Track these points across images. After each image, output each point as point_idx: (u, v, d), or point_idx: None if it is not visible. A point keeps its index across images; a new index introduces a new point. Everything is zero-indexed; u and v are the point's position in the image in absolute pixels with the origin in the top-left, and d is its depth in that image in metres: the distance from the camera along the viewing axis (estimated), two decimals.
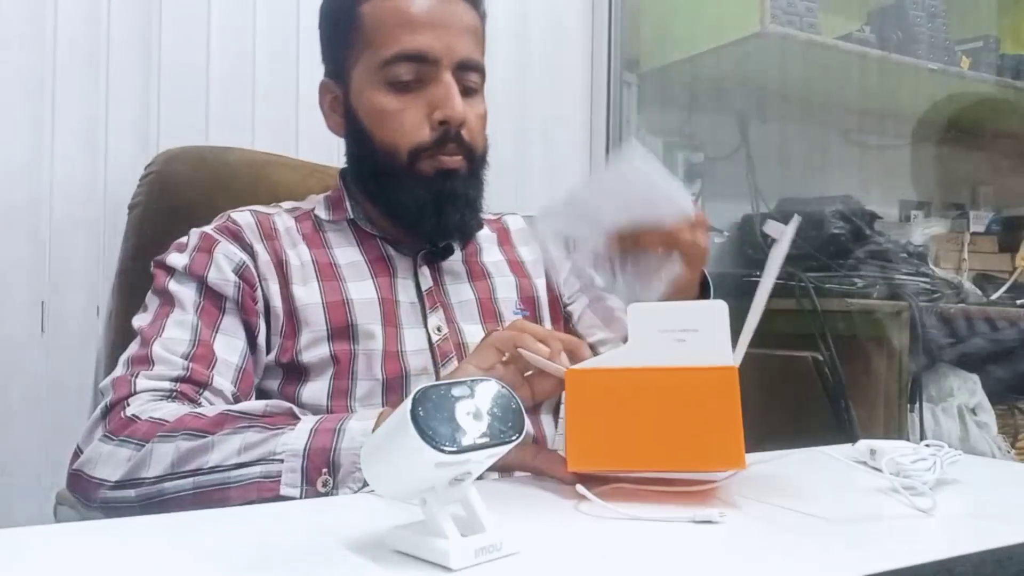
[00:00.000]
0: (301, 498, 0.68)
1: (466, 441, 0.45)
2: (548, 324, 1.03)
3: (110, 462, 0.74)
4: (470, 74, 0.94)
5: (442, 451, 0.44)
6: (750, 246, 1.94)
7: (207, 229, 0.94)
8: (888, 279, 1.78)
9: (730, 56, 1.84)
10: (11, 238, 1.25)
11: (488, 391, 0.48)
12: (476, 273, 1.01)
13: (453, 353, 0.93)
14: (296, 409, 0.75)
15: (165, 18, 1.36)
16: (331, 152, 1.38)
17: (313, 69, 1.48)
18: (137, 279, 0.98)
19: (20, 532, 0.51)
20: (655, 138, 1.98)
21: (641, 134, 1.95)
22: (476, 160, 0.95)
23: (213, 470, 0.71)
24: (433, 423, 0.44)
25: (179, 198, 0.90)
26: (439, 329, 0.94)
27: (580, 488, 0.61)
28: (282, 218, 0.98)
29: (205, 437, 0.72)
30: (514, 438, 0.47)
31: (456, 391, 0.47)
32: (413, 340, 0.92)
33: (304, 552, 0.49)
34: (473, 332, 0.95)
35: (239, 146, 1.25)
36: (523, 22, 1.75)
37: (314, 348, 0.89)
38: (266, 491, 0.69)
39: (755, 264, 1.87)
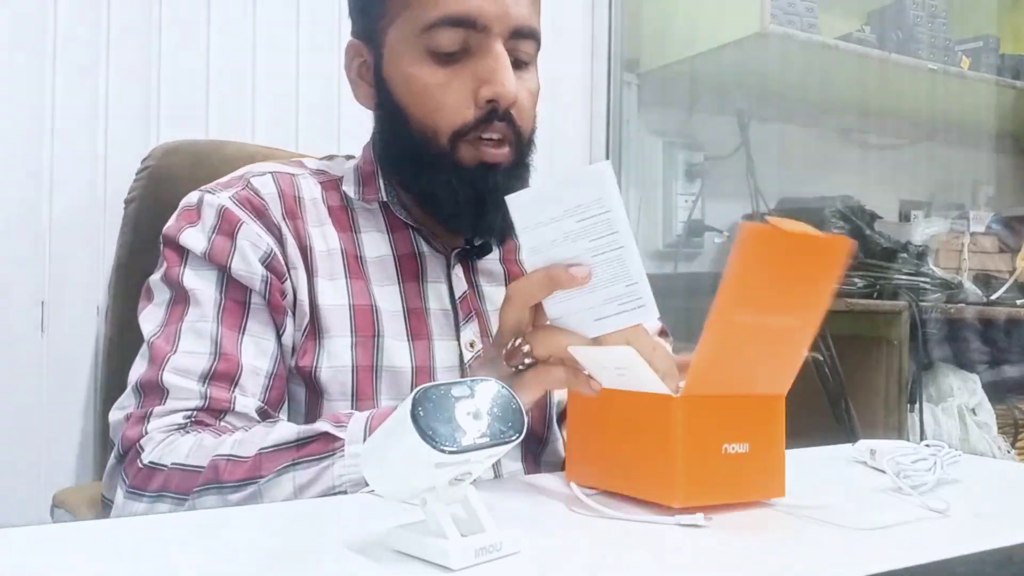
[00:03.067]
0: None
1: (466, 441, 0.45)
2: None
3: None
4: (524, 43, 0.81)
5: (442, 451, 0.44)
6: None
7: (226, 200, 0.81)
8: (888, 279, 1.78)
9: (730, 56, 1.84)
10: (11, 238, 1.25)
11: (488, 391, 0.48)
12: (514, 275, 0.90)
13: None
14: (329, 427, 0.68)
15: (165, 16, 1.36)
16: (332, 147, 1.39)
17: (313, 65, 1.49)
18: (133, 275, 0.97)
19: (19, 532, 0.51)
20: (655, 138, 1.98)
21: (641, 134, 1.95)
22: (523, 145, 0.83)
23: None
24: (433, 423, 0.44)
25: (175, 192, 0.87)
26: (472, 345, 0.84)
27: (582, 486, 0.61)
28: (307, 182, 0.87)
29: (250, 486, 0.67)
30: (514, 438, 0.47)
31: (456, 391, 0.47)
32: (444, 355, 0.83)
33: (304, 552, 0.49)
34: None
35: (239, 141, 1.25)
36: None
37: (336, 358, 0.79)
38: None
39: None
